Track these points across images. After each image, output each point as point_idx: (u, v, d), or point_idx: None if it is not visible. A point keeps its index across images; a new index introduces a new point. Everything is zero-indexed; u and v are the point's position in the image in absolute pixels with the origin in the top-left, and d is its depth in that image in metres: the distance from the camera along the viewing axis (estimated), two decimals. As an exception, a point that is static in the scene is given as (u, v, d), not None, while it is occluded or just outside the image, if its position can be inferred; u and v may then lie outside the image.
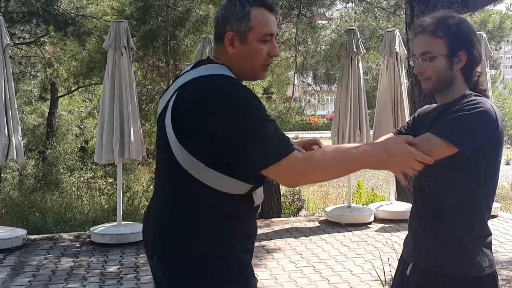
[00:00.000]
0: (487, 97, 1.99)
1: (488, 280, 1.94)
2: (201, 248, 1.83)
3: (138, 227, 6.43)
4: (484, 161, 1.91)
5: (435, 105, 2.11)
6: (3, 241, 5.81)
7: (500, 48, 15.01)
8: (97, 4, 11.32)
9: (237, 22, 1.84)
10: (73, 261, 5.48)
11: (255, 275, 1.97)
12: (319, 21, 9.71)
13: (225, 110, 1.73)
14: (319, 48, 9.49)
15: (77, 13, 11.54)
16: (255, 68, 1.90)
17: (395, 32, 7.23)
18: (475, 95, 1.95)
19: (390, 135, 2.21)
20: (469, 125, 1.84)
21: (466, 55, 1.95)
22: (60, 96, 14.49)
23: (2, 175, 11.73)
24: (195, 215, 1.83)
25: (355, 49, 6.91)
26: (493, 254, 2.00)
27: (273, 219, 7.73)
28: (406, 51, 6.98)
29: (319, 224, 7.10)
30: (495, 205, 7.81)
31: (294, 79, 9.49)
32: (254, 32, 1.84)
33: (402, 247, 2.20)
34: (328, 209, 7.42)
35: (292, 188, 10.47)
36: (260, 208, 1.85)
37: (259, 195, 1.93)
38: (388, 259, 5.09)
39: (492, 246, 2.01)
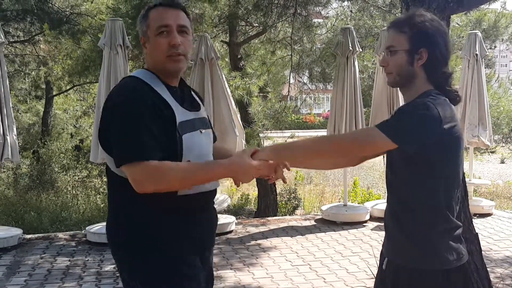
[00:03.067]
0: (453, 98, 2.03)
1: (457, 273, 1.98)
2: (130, 242, 2.02)
3: (134, 226, 6.43)
4: (439, 158, 1.95)
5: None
6: (-2, 240, 5.80)
7: (495, 47, 15.05)
8: (92, 2, 11.28)
9: (141, 26, 2.09)
10: (69, 261, 5.47)
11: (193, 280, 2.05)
12: (315, 20, 9.71)
13: (108, 107, 2.00)
14: (314, 47, 9.49)
15: (71, 11, 11.50)
16: (162, 61, 2.05)
17: (391, 31, 7.24)
18: (431, 95, 1.96)
19: None
20: (408, 124, 1.89)
21: (427, 52, 1.98)
22: (55, 95, 14.43)
23: (-3, 174, 11.68)
24: (123, 208, 2.05)
25: (351, 48, 6.92)
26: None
27: (269, 218, 7.74)
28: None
29: (315, 223, 7.12)
30: (489, 203, 7.84)
31: (290, 78, 9.49)
32: (151, 29, 2.05)
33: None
34: (324, 207, 7.44)
35: (288, 186, 10.49)
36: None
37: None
38: (384, 257, 5.11)
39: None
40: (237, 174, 1.97)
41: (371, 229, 6.69)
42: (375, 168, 14.87)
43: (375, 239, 6.15)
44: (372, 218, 7.15)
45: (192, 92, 2.24)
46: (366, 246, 5.90)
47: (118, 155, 1.95)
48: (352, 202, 9.27)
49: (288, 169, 2.08)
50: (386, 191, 2.18)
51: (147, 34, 2.06)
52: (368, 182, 12.85)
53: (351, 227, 6.78)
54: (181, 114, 2.02)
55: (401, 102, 7.06)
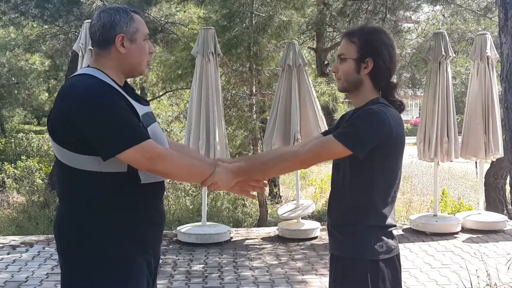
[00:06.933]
0: (397, 106, 2.22)
1: (386, 264, 2.20)
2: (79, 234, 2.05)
3: (221, 228, 6.61)
4: (382, 160, 2.15)
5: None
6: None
7: None
8: (184, 12, 11.72)
9: (126, 25, 2.11)
10: (160, 259, 5.71)
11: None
12: (405, 25, 9.52)
13: (80, 104, 1.96)
14: (404, 52, 9.30)
15: (166, 21, 12.00)
16: (142, 63, 2.19)
17: (487, 35, 6.96)
18: (379, 103, 2.17)
19: (318, 136, 2.50)
20: (362, 132, 2.09)
21: (372, 62, 2.17)
22: (149, 100, 15.09)
23: None
24: (73, 201, 2.06)
25: (443, 53, 6.70)
26: None
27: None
28: (498, 55, 6.69)
29: (402, 232, 6.95)
30: None
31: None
32: (140, 33, 2.15)
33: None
34: (412, 217, 7.25)
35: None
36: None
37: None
38: (477, 270, 4.91)
39: None
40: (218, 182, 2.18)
41: (463, 241, 6.43)
42: (467, 177, 14.26)
43: (467, 252, 5.91)
44: (464, 230, 6.87)
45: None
46: (457, 258, 5.69)
47: (117, 141, 1.94)
48: (441, 213, 8.96)
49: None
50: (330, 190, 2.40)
51: (135, 36, 2.12)
52: (458, 192, 12.34)
53: (441, 238, 6.56)
54: (139, 108, 2.11)
55: (497, 109, 6.76)
